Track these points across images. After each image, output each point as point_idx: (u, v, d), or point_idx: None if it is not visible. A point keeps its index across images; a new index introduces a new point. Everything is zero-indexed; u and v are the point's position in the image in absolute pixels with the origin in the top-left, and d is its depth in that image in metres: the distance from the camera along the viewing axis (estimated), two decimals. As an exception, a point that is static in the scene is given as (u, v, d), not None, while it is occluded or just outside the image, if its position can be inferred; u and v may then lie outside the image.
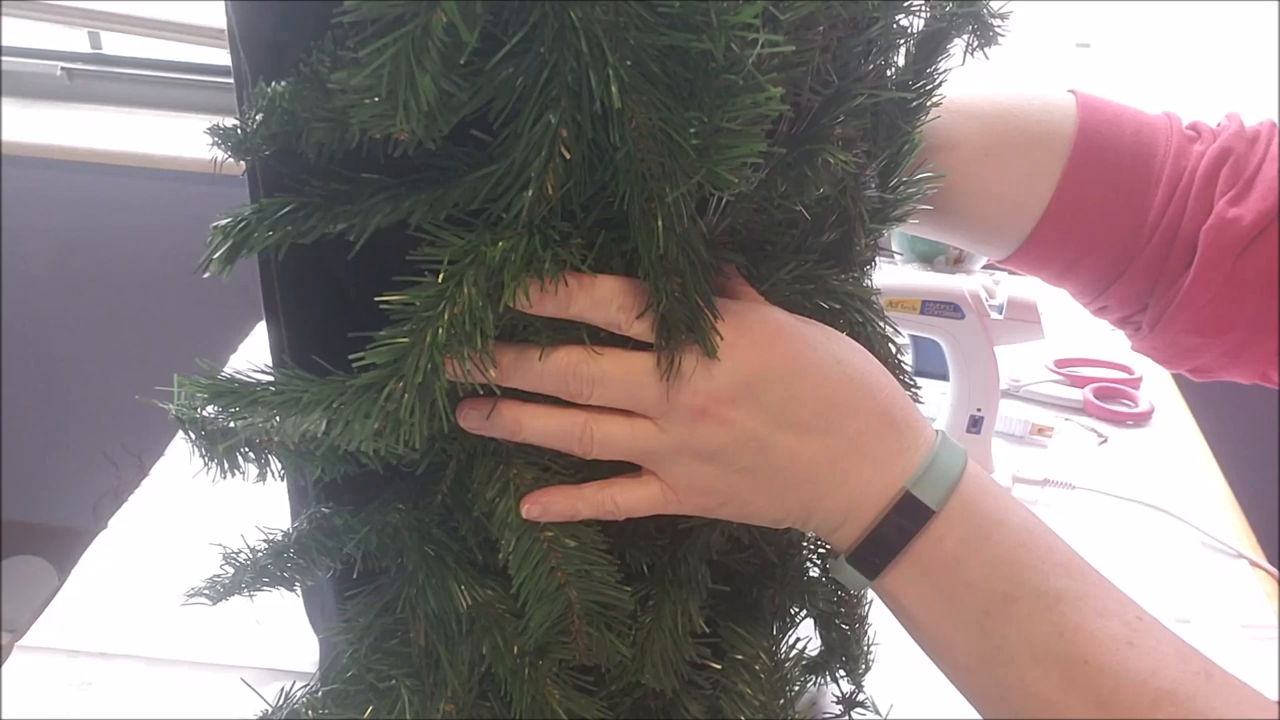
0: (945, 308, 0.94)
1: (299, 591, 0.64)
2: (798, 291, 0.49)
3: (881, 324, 0.53)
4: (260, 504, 0.58)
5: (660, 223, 0.38)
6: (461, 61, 0.35)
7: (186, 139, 1.61)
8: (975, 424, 0.98)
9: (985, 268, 1.33)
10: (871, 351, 0.49)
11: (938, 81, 0.54)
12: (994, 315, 0.96)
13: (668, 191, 0.37)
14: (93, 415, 1.89)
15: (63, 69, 1.66)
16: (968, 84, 0.60)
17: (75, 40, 1.68)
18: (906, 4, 0.47)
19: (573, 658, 0.48)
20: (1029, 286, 0.98)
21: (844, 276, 0.51)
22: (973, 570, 0.45)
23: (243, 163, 0.46)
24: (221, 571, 0.50)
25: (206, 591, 0.50)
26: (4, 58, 1.66)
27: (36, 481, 1.97)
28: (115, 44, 1.69)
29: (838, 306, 0.51)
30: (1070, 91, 0.64)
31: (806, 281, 0.49)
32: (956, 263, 1.32)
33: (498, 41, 0.36)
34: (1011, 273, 0.70)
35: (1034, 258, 0.65)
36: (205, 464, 0.46)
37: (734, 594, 0.55)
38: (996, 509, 0.46)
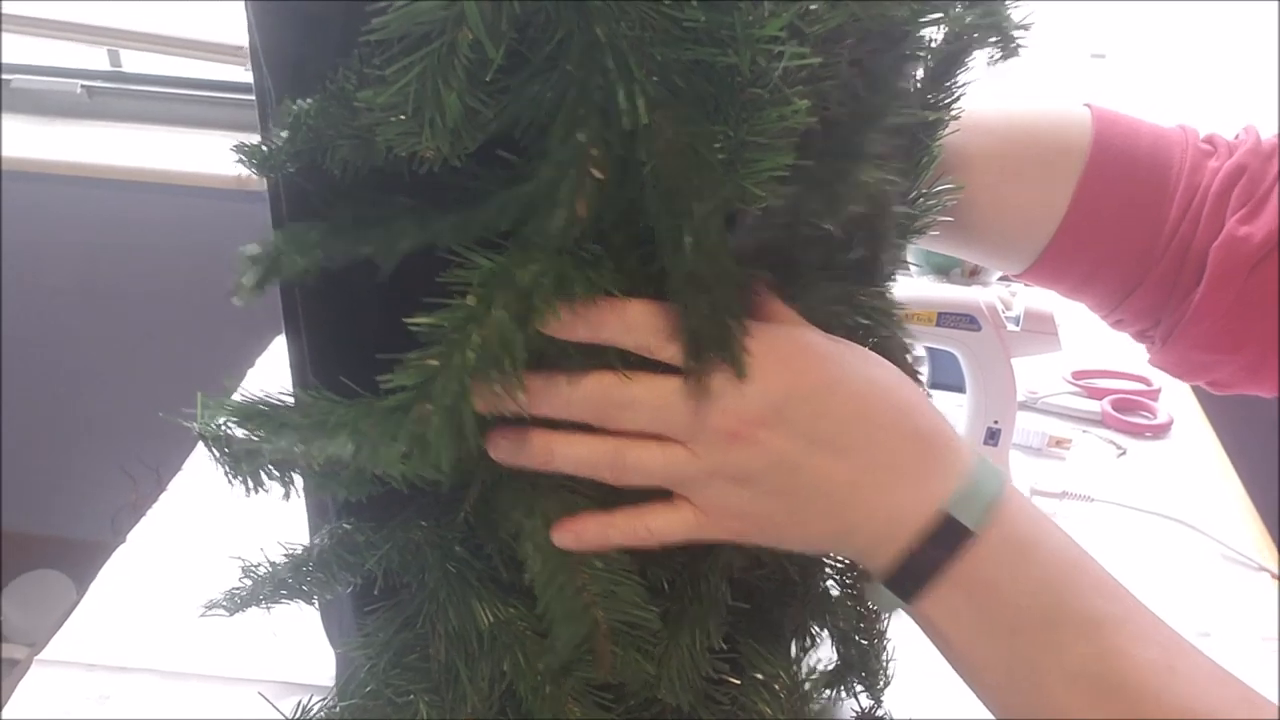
0: (962, 320, 0.94)
1: (316, 605, 0.64)
2: (830, 312, 0.48)
3: (906, 340, 0.53)
4: (279, 518, 0.58)
5: (688, 239, 0.38)
6: (487, 79, 0.34)
7: (205, 155, 1.62)
8: (993, 436, 0.98)
9: (1001, 279, 1.33)
10: (896, 366, 0.48)
11: (957, 94, 0.53)
12: (1011, 327, 0.95)
13: (695, 207, 0.37)
14: (110, 429, 1.90)
15: (82, 87, 1.68)
16: (981, 98, 0.60)
17: (95, 58, 1.69)
18: (936, 15, 0.47)
19: (597, 677, 0.48)
20: (1046, 298, 0.98)
21: (872, 291, 0.51)
22: (1011, 594, 0.44)
23: (264, 179, 0.46)
24: (240, 584, 0.50)
25: (224, 603, 0.50)
26: (25, 76, 1.68)
27: (55, 496, 1.98)
28: (134, 62, 1.71)
29: (866, 323, 0.50)
30: (1085, 105, 0.64)
31: (839, 301, 0.49)
32: (972, 274, 1.32)
33: (524, 59, 0.36)
34: (1028, 285, 0.69)
35: (1049, 272, 0.65)
36: (230, 481, 0.46)
37: (754, 611, 0.54)
38: (1035, 531, 0.46)
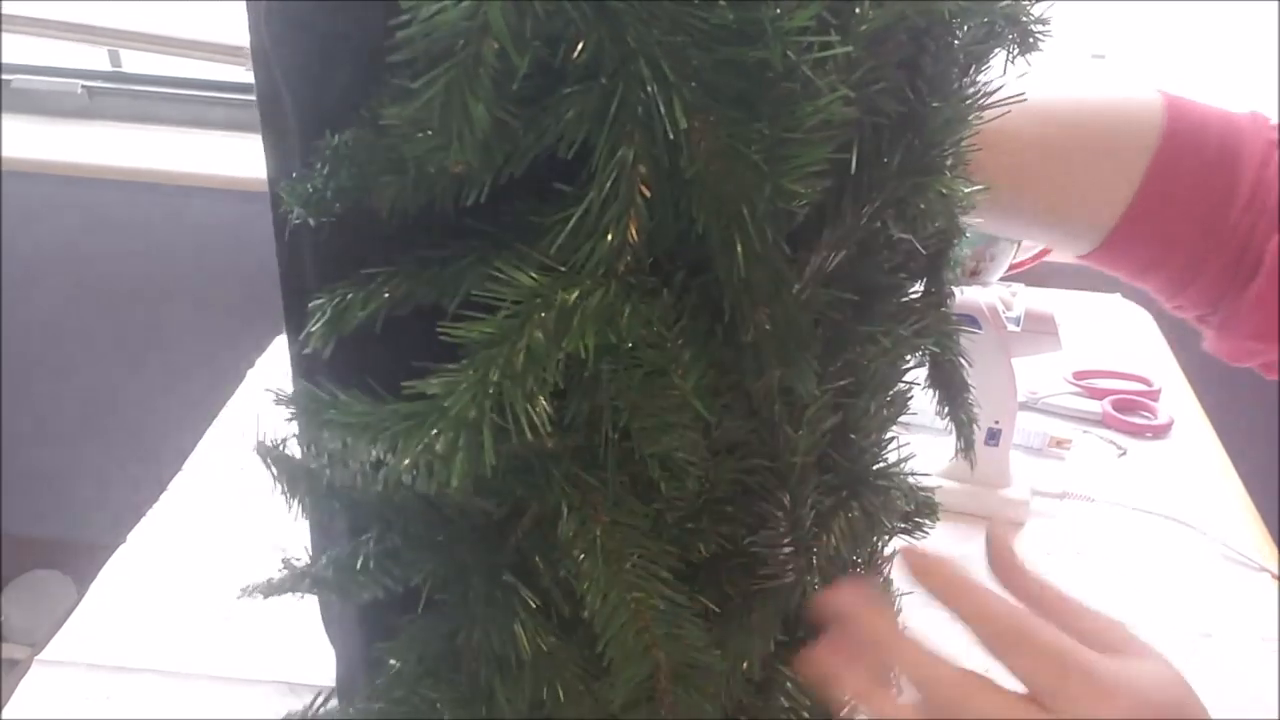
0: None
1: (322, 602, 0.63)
2: (909, 341, 0.48)
3: (963, 360, 0.52)
4: (278, 518, 0.58)
5: (740, 245, 0.37)
6: (514, 88, 0.34)
7: (205, 155, 1.62)
8: (993, 436, 0.98)
9: (1002, 279, 1.32)
10: (950, 379, 0.48)
11: (980, 94, 0.53)
12: (1011, 327, 0.95)
13: (744, 210, 0.36)
14: (111, 429, 1.90)
15: (83, 87, 1.68)
16: (1053, 84, 0.60)
17: (95, 59, 1.70)
18: (975, 9, 0.45)
19: (648, 715, 0.47)
20: (1046, 298, 0.98)
21: (940, 314, 0.50)
22: None
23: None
24: (279, 573, 0.49)
25: (260, 589, 0.49)
26: (26, 76, 1.68)
27: (55, 496, 1.99)
28: (135, 62, 1.71)
29: (937, 350, 0.50)
30: (1158, 91, 0.64)
31: (924, 335, 0.48)
32: (973, 274, 1.31)
33: (559, 76, 0.35)
34: (1092, 267, 0.69)
35: (1113, 256, 0.65)
36: (287, 504, 0.46)
37: (793, 643, 0.53)
38: None
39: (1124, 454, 1.10)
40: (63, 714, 0.74)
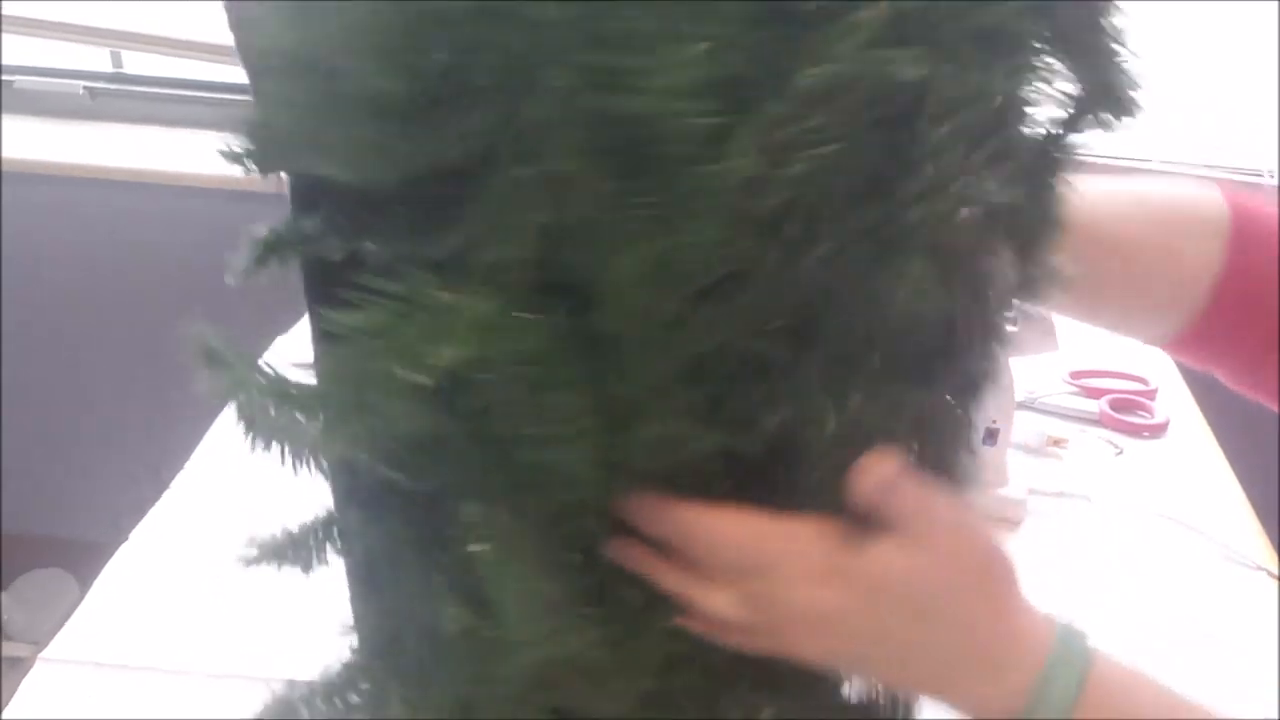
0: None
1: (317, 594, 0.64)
2: (880, 422, 0.44)
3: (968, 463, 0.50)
4: (280, 516, 0.59)
5: (608, 298, 0.36)
6: (398, 108, 0.33)
7: (206, 156, 1.62)
8: (990, 436, 0.98)
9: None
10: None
11: (1065, 163, 0.46)
12: (1009, 327, 0.95)
13: (612, 263, 0.35)
14: (112, 428, 1.90)
15: (85, 88, 1.68)
16: (1115, 182, 0.61)
17: (97, 59, 1.70)
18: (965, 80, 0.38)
19: (554, 701, 0.47)
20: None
21: (940, 404, 0.47)
22: None
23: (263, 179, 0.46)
24: (265, 542, 0.50)
25: (256, 553, 0.50)
26: (27, 77, 1.68)
27: (57, 495, 1.99)
28: (136, 63, 1.71)
29: (914, 443, 0.47)
30: (1216, 186, 0.64)
31: (890, 408, 0.44)
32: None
33: (447, 98, 0.34)
34: (1174, 355, 0.70)
35: (1187, 347, 0.65)
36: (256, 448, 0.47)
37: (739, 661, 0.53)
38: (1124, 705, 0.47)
39: (1121, 453, 1.10)
40: (66, 712, 0.74)
